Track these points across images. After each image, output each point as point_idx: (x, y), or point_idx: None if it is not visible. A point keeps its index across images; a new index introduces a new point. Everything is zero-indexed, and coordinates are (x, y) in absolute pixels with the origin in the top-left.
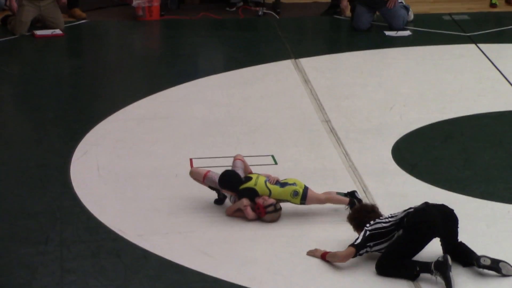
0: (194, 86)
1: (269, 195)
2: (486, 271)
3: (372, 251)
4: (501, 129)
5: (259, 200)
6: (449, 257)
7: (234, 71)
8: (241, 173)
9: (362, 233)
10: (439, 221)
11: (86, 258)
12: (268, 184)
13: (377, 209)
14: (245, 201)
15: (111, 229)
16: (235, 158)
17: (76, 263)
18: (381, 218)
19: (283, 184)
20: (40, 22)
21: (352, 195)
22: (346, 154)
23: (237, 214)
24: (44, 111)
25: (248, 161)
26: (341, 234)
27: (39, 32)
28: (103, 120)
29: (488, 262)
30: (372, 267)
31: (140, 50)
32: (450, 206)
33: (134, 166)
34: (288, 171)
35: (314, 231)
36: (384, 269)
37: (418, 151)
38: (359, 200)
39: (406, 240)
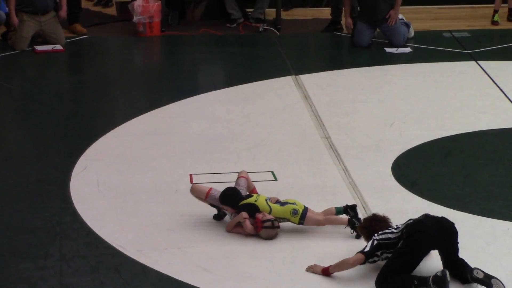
0: (194, 102)
1: (269, 212)
2: (477, 287)
3: (381, 259)
4: (501, 147)
5: (259, 215)
6: (447, 273)
7: (234, 87)
8: (243, 192)
9: (370, 242)
10: (436, 232)
11: (85, 274)
12: (269, 202)
13: (389, 220)
14: (244, 214)
15: (111, 245)
16: (239, 176)
17: (76, 278)
18: (389, 228)
19: (284, 203)
20: (40, 37)
21: (352, 208)
22: (346, 171)
23: (236, 230)
24: (44, 126)
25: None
26: (340, 251)
27: (39, 48)
28: (103, 136)
29: (481, 276)
30: (371, 282)
31: (141, 66)
32: None
33: (134, 182)
34: (288, 187)
35: (313, 247)
36: (383, 284)
37: (418, 168)
38: (358, 219)
39: (403, 251)
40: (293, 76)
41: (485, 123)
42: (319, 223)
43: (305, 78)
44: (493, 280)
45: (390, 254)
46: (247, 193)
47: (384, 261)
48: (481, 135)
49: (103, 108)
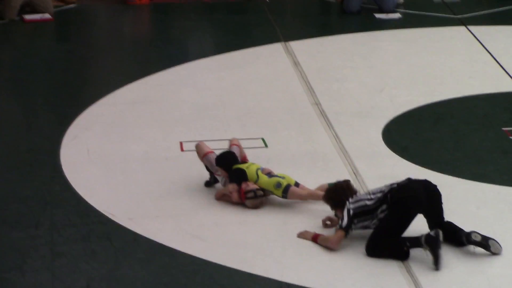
0: (184, 70)
1: (256, 181)
2: (474, 249)
3: (356, 228)
4: (491, 111)
5: (243, 185)
6: (440, 233)
7: (224, 54)
8: None
9: (345, 214)
10: (423, 195)
11: (76, 242)
12: (259, 172)
13: (352, 184)
14: (231, 187)
15: (102, 213)
16: (232, 143)
17: (67, 246)
18: (360, 194)
19: (272, 176)
20: (29, 7)
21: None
22: (336, 137)
23: (225, 198)
24: (33, 96)
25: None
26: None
27: (28, 17)
28: (93, 104)
29: (478, 238)
30: (362, 247)
31: (130, 34)
32: (441, 188)
33: (124, 150)
34: (279, 154)
35: (305, 215)
36: (374, 250)
37: (409, 134)
38: None
39: (391, 216)
40: (283, 43)
41: (475, 88)
42: (302, 197)
43: (294, 44)
44: (490, 242)
45: (366, 222)
46: (241, 161)
47: (359, 230)
48: (471, 100)
49: (93, 77)
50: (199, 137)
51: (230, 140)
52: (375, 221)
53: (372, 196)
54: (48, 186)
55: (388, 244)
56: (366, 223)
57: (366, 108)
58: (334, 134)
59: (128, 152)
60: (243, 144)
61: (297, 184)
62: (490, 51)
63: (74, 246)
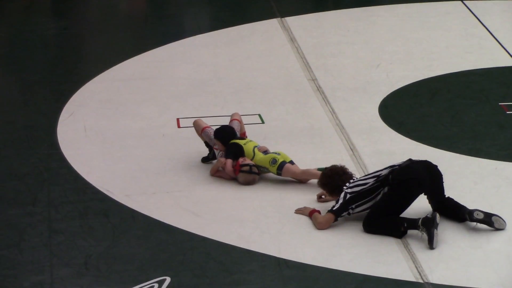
0: (179, 46)
1: (252, 158)
2: (476, 225)
3: (354, 213)
4: (488, 86)
5: (240, 159)
6: (437, 215)
7: (219, 30)
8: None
9: (342, 197)
10: (425, 177)
11: (74, 219)
12: (256, 149)
13: (347, 169)
14: (222, 159)
15: (99, 190)
16: (233, 118)
17: (64, 223)
18: (357, 178)
19: (267, 153)
20: None
21: None
22: (333, 113)
23: (219, 174)
24: (29, 73)
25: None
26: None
27: None
28: (89, 81)
29: (481, 216)
30: (360, 225)
31: (125, 10)
32: (438, 163)
33: (121, 127)
34: (275, 130)
35: (302, 191)
36: (371, 227)
37: (405, 109)
38: None
39: (393, 197)
40: (279, 19)
41: (471, 62)
42: (296, 175)
43: (290, 20)
44: (493, 218)
45: (365, 205)
46: (239, 136)
47: (356, 214)
48: (467, 75)
49: (89, 53)
50: (195, 114)
51: (232, 115)
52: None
53: (369, 178)
54: (45, 163)
55: (386, 223)
56: (365, 206)
57: (362, 83)
58: (331, 110)
59: (125, 129)
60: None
61: (292, 163)
62: (486, 25)
63: (72, 223)
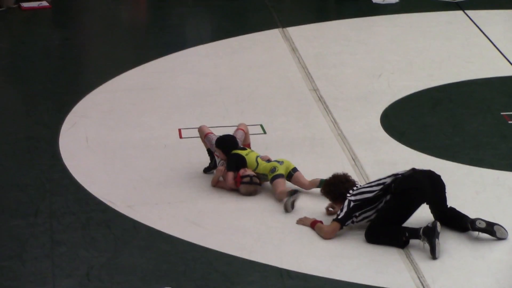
0: (181, 57)
1: (255, 169)
2: (478, 235)
3: (358, 221)
4: (489, 95)
5: (241, 171)
6: (438, 224)
7: (221, 41)
8: (238, 143)
9: (346, 205)
10: (428, 187)
11: (76, 230)
12: (259, 159)
13: (350, 177)
14: (220, 167)
15: (101, 200)
16: (238, 128)
17: (66, 234)
18: (360, 186)
19: (270, 161)
20: None
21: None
22: (334, 122)
23: (220, 184)
24: (32, 83)
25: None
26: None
27: (25, 4)
28: (91, 92)
29: (483, 225)
30: (362, 235)
31: (127, 21)
32: (439, 172)
33: (123, 137)
34: (277, 140)
35: (303, 201)
36: (373, 237)
37: (407, 119)
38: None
39: (395, 206)
40: (280, 29)
41: (473, 72)
42: (276, 193)
43: (292, 30)
44: (495, 227)
45: (368, 213)
46: (242, 146)
47: (361, 222)
48: (469, 85)
49: (91, 64)
50: (197, 124)
51: (238, 125)
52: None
53: (374, 187)
54: (47, 174)
55: (387, 232)
56: (368, 214)
57: (364, 93)
58: (332, 120)
59: (127, 139)
60: (233, 132)
61: (295, 170)
62: (487, 35)
63: (74, 234)
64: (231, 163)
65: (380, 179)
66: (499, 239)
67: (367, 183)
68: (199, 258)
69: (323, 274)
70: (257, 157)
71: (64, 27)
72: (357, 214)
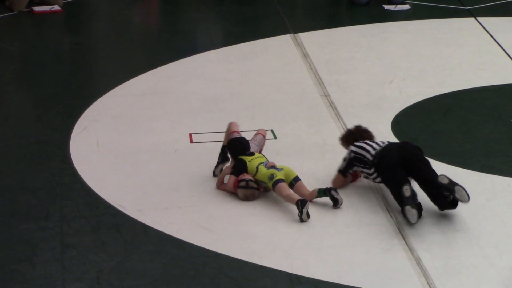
0: (193, 62)
1: (254, 175)
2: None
3: (359, 169)
4: (500, 103)
5: (240, 176)
6: (404, 188)
7: (233, 46)
8: (255, 148)
9: (347, 155)
10: (396, 154)
11: (86, 234)
12: (261, 166)
13: (371, 132)
14: (227, 170)
15: (111, 205)
16: (258, 132)
17: (77, 238)
18: (371, 142)
19: (271, 167)
20: None
21: (328, 191)
22: (345, 128)
23: (223, 187)
24: (43, 88)
25: (248, 136)
26: (342, 211)
27: (37, 9)
28: (102, 96)
29: (445, 181)
30: (372, 242)
31: (139, 25)
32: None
33: (133, 142)
34: (288, 145)
35: (313, 206)
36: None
37: (418, 125)
38: (334, 199)
39: (383, 176)
40: (292, 35)
41: (484, 79)
42: (283, 197)
43: (303, 36)
44: (457, 187)
45: (369, 171)
46: (251, 151)
47: (367, 178)
48: (480, 92)
49: (102, 68)
50: (208, 129)
51: (258, 130)
52: (374, 175)
53: (373, 153)
54: (58, 177)
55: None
56: (368, 171)
57: (375, 99)
58: (343, 126)
59: (138, 144)
60: (253, 136)
61: (297, 179)
62: (499, 42)
63: (84, 238)
64: (234, 167)
65: (379, 143)
66: (460, 200)
67: (373, 143)
68: (209, 263)
69: (333, 279)
70: (259, 164)
71: (76, 31)
72: (359, 166)
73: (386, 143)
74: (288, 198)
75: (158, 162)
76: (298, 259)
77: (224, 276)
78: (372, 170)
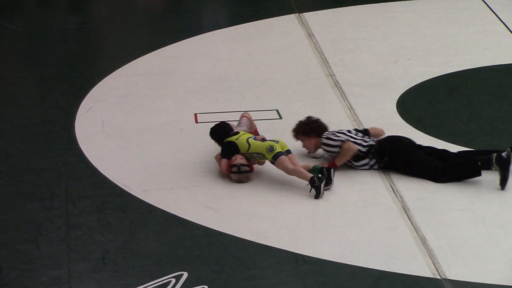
0: (197, 42)
1: (248, 149)
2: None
3: (358, 167)
4: (506, 82)
5: (232, 158)
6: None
7: (237, 26)
8: (245, 129)
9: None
10: (407, 141)
11: (91, 214)
12: (250, 139)
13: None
14: (218, 156)
15: (117, 185)
16: (242, 116)
17: (82, 218)
18: (345, 132)
19: (265, 140)
20: None
21: (327, 170)
22: (350, 108)
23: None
24: (48, 68)
25: (253, 115)
26: (347, 191)
27: None
28: (107, 76)
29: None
30: (378, 221)
31: (144, 5)
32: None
33: (138, 122)
34: (293, 125)
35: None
36: (447, 176)
37: (423, 105)
38: (327, 181)
39: (409, 160)
40: (297, 14)
41: (489, 59)
42: (287, 170)
43: (308, 16)
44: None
45: (365, 160)
46: (234, 131)
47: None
48: (485, 71)
49: (107, 48)
50: (213, 109)
51: (242, 113)
52: (372, 162)
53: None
54: (63, 158)
55: (461, 166)
56: (365, 161)
57: (380, 79)
58: (348, 105)
59: (142, 124)
60: (258, 116)
61: (288, 152)
62: (504, 21)
63: (89, 218)
64: (224, 151)
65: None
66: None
67: (341, 131)
68: (214, 242)
69: (338, 259)
70: (248, 138)
71: (81, 11)
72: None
73: (353, 131)
74: (296, 173)
75: (163, 142)
76: (303, 239)
77: (229, 255)
78: (368, 159)
